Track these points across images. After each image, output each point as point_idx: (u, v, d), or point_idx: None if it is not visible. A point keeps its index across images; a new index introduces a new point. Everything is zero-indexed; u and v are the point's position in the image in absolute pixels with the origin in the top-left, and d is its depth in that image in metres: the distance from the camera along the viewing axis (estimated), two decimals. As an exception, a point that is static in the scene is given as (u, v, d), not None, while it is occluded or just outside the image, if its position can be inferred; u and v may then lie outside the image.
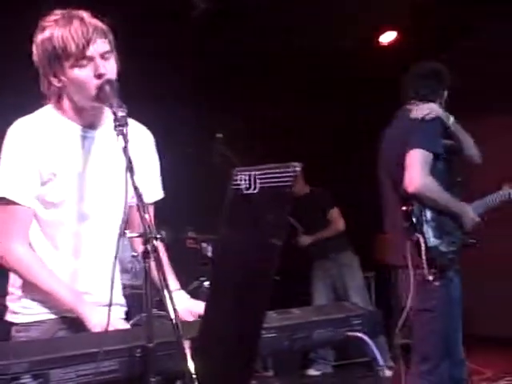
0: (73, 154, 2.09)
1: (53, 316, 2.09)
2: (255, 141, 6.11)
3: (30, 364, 1.51)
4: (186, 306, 2.14)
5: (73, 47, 1.98)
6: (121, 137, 1.79)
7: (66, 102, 2.12)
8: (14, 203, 2.05)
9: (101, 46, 2.01)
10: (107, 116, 2.07)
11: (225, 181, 1.59)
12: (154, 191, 2.28)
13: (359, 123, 6.58)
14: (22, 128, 2.09)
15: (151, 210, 2.24)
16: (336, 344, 2.16)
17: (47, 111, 2.15)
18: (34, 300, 2.10)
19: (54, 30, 2.01)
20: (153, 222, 1.67)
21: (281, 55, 5.89)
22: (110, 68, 2.03)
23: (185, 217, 5.29)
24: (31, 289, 2.09)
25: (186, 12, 5.30)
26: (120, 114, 1.85)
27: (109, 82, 1.98)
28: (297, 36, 5.78)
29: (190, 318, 2.12)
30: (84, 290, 2.12)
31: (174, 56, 5.54)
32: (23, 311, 2.11)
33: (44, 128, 2.10)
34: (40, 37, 2.05)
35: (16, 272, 2.10)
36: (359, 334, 2.00)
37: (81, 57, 1.99)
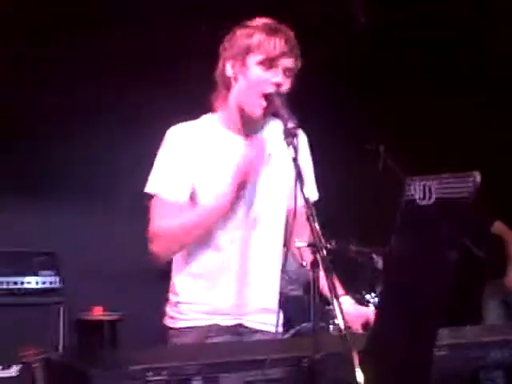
0: (227, 161, 2.12)
1: (205, 322, 2.15)
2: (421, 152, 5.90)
3: (201, 366, 1.53)
4: (351, 312, 2.12)
5: (268, 50, 2.06)
6: (291, 148, 1.81)
7: (230, 105, 2.16)
8: (156, 195, 2.14)
9: (290, 63, 2.09)
10: (266, 122, 2.12)
11: (386, 191, 1.54)
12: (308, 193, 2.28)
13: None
14: (182, 131, 2.17)
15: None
16: (509, 366, 2.02)
17: (207, 118, 2.21)
18: (189, 304, 2.16)
19: (258, 31, 2.09)
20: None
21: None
22: (286, 85, 2.09)
23: (349, 228, 5.25)
24: (187, 294, 2.15)
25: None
26: (290, 124, 1.86)
27: (278, 94, 2.00)
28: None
29: (356, 324, 2.09)
30: (243, 295, 2.15)
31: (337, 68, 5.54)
32: (179, 316, 2.18)
33: (202, 134, 2.17)
34: (240, 31, 2.13)
35: (168, 242, 2.12)
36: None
37: (269, 59, 2.06)
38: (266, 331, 2.14)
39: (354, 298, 4.43)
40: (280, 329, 2.24)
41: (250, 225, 2.15)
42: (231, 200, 2.06)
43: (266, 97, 2.05)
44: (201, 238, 2.12)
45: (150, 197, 2.17)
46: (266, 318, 2.16)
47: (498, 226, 5.65)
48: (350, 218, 5.65)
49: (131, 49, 5.03)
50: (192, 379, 1.52)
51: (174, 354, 1.71)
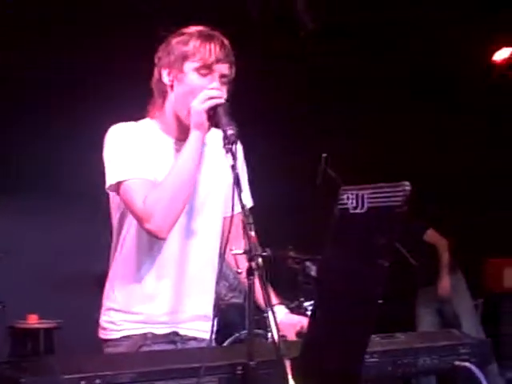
0: (168, 165, 2.10)
1: (139, 331, 2.12)
2: (363, 162, 5.99)
3: (136, 375, 1.53)
4: (285, 321, 2.14)
5: (204, 56, 2.07)
6: (229, 155, 1.82)
7: (166, 113, 2.17)
8: (126, 180, 2.07)
9: (226, 69, 2.11)
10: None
11: (327, 200, 1.57)
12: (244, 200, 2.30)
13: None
14: (124, 127, 2.16)
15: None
16: (441, 373, 2.06)
17: (146, 122, 2.22)
18: (124, 313, 2.14)
19: (193, 38, 2.10)
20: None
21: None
22: (223, 91, 2.08)
23: (286, 236, 5.29)
24: (123, 300, 2.14)
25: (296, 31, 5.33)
26: (229, 132, 1.88)
27: (220, 105, 2.01)
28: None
29: (291, 333, 2.11)
30: (173, 301, 2.13)
31: (284, 73, 5.59)
32: (112, 327, 2.16)
33: (142, 134, 2.16)
34: (176, 39, 2.14)
35: (163, 211, 2.01)
36: (467, 364, 1.91)
37: (206, 66, 2.07)
38: (201, 339, 2.14)
39: (291, 305, 4.48)
40: (215, 336, 2.25)
41: (188, 233, 2.15)
42: (204, 131, 2.04)
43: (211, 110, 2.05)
44: (188, 192, 2.06)
45: (115, 188, 2.10)
46: (201, 326, 2.16)
47: (431, 234, 5.75)
48: (289, 226, 5.72)
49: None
50: (126, 388, 1.52)
51: (109, 362, 1.69)
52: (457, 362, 1.93)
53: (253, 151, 2.38)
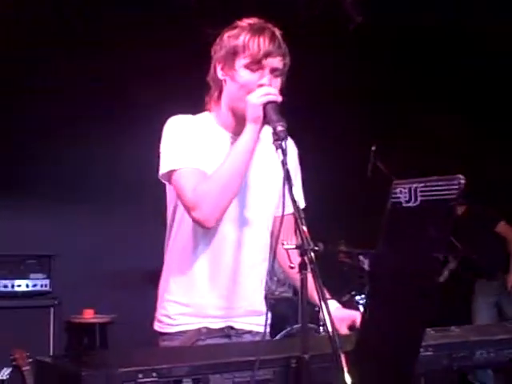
0: (222, 158, 2.11)
1: (194, 326, 2.15)
2: (417, 156, 5.88)
3: (191, 368, 1.55)
4: (337, 315, 2.14)
5: (254, 51, 2.08)
6: (279, 150, 1.83)
7: (222, 107, 2.20)
8: (178, 169, 2.10)
9: (277, 62, 2.10)
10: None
11: (377, 193, 1.56)
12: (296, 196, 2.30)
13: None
14: (181, 119, 2.19)
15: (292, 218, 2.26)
16: (498, 367, 2.04)
17: (203, 115, 2.24)
18: (180, 305, 2.16)
19: (244, 32, 2.11)
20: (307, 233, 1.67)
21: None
22: (275, 85, 2.10)
23: (337, 230, 5.27)
24: (180, 293, 2.16)
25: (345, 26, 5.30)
26: (279, 128, 1.89)
27: (272, 103, 2.02)
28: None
29: (342, 327, 2.11)
30: (227, 294, 2.15)
31: (328, 65, 5.56)
32: (168, 321, 2.18)
33: (199, 126, 2.19)
34: (228, 33, 2.15)
35: (212, 201, 2.03)
36: (525, 358, 1.89)
37: (255, 62, 2.08)
38: (255, 332, 2.15)
39: (343, 299, 4.47)
40: (268, 329, 2.26)
41: (242, 224, 2.16)
42: (260, 125, 2.04)
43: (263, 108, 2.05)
44: (239, 184, 2.06)
45: (168, 177, 2.13)
46: (255, 320, 2.17)
47: (503, 226, 5.66)
48: (339, 220, 5.69)
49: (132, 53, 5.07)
50: (182, 381, 1.54)
51: (164, 355, 1.72)
52: (514, 356, 1.90)
53: (301, 144, 2.38)
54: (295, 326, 3.92)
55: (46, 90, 4.99)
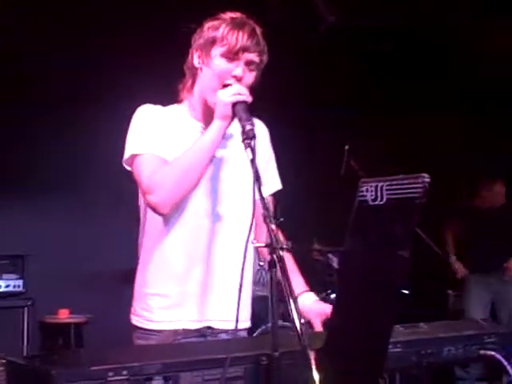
0: None
1: (171, 326, 2.15)
2: (393, 158, 5.91)
3: (162, 366, 1.55)
4: (313, 308, 2.16)
5: (231, 43, 2.10)
6: (248, 149, 1.84)
7: (195, 96, 2.22)
8: (139, 155, 2.13)
9: (253, 56, 2.13)
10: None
11: (351, 192, 1.58)
12: (271, 182, 2.33)
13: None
14: (150, 108, 2.22)
15: (270, 200, 2.29)
16: (466, 363, 2.06)
17: (174, 107, 2.27)
18: (151, 296, 2.17)
19: (224, 23, 2.13)
20: (272, 210, 1.68)
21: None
22: (248, 78, 2.12)
23: (311, 228, 5.30)
24: (158, 285, 2.16)
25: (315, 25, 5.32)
26: (248, 127, 1.91)
27: (243, 103, 2.03)
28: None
29: (317, 321, 2.13)
30: (205, 286, 2.16)
31: (304, 65, 5.59)
32: (144, 314, 2.18)
33: (168, 116, 2.21)
34: (209, 23, 2.18)
35: (168, 185, 2.06)
36: (493, 353, 1.91)
37: (232, 52, 2.10)
38: (232, 331, 2.16)
39: (318, 297, 4.48)
40: (247, 324, 2.26)
41: (215, 217, 2.18)
42: (228, 122, 2.06)
43: (225, 86, 2.08)
44: (198, 176, 2.09)
45: (130, 163, 2.16)
46: (230, 317, 2.18)
47: None
48: (313, 219, 5.72)
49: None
50: (153, 378, 1.55)
51: (135, 354, 1.72)
52: (482, 352, 1.93)
53: (274, 144, 2.40)
54: (269, 324, 3.93)
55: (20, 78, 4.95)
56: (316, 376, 1.48)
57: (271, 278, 1.62)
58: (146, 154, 2.12)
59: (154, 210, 2.09)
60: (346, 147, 4.97)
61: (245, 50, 2.10)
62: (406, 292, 4.42)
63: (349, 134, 5.35)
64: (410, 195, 1.47)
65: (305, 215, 5.56)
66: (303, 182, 5.63)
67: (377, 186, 1.49)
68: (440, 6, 5.17)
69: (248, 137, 1.88)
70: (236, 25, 2.13)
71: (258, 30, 2.16)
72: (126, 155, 2.17)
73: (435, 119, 6.00)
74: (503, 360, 1.88)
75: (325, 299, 4.58)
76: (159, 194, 2.05)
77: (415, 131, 6.06)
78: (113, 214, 5.20)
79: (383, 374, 1.64)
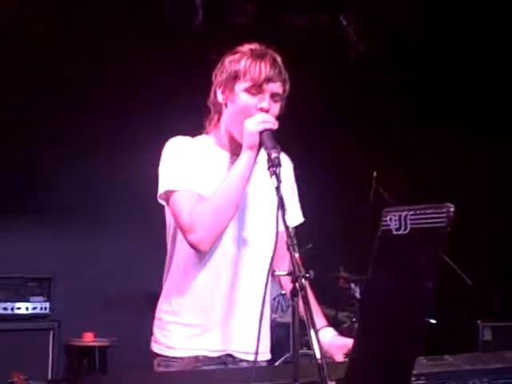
0: (221, 179, 2.13)
1: (192, 353, 2.14)
2: (418, 185, 5.85)
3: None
4: (333, 343, 2.13)
5: (255, 75, 2.10)
6: (274, 177, 1.84)
7: (221, 129, 2.23)
8: (175, 191, 2.13)
9: (277, 87, 2.13)
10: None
11: (378, 220, 1.56)
12: (293, 216, 2.32)
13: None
14: (181, 141, 2.23)
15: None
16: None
17: (202, 138, 2.28)
18: (173, 324, 2.16)
19: (245, 57, 2.14)
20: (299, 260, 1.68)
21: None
22: (274, 110, 2.12)
23: (337, 256, 5.26)
24: (181, 313, 2.15)
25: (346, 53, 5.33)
26: (274, 154, 1.91)
27: (269, 130, 2.03)
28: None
29: (339, 355, 2.10)
30: (228, 315, 2.15)
31: (328, 92, 5.59)
32: (166, 342, 2.18)
33: (198, 148, 2.22)
34: (229, 58, 2.18)
35: (206, 225, 2.06)
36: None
37: (256, 86, 2.11)
38: (251, 362, 2.14)
39: (343, 326, 4.44)
40: (267, 356, 2.24)
41: (241, 244, 2.17)
42: (256, 152, 2.06)
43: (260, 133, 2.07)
44: (234, 209, 2.09)
45: (165, 198, 2.17)
46: (253, 347, 2.16)
47: None
48: (339, 246, 5.68)
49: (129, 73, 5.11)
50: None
51: (157, 381, 1.71)
52: (507, 386, 1.89)
53: (302, 172, 2.40)
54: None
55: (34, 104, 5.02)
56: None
57: (293, 306, 1.61)
58: (182, 191, 2.12)
59: (195, 247, 2.09)
60: (374, 174, 4.94)
61: (269, 80, 2.10)
62: (433, 321, 4.40)
63: (377, 161, 5.32)
64: (434, 225, 1.45)
65: (331, 243, 5.53)
66: (330, 208, 5.61)
67: (400, 216, 1.47)
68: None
69: (273, 164, 1.88)
70: (257, 56, 2.13)
71: (279, 59, 2.16)
72: (161, 190, 2.16)
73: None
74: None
75: (350, 328, 4.53)
76: (200, 232, 2.05)
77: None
78: (140, 238, 5.22)
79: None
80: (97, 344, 5.08)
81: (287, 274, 1.63)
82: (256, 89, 2.10)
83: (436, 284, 1.50)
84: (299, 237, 2.25)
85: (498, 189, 5.72)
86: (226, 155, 2.22)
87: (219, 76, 2.18)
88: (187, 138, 2.24)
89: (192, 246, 2.08)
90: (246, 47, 2.17)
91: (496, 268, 5.70)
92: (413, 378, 1.67)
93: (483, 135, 5.83)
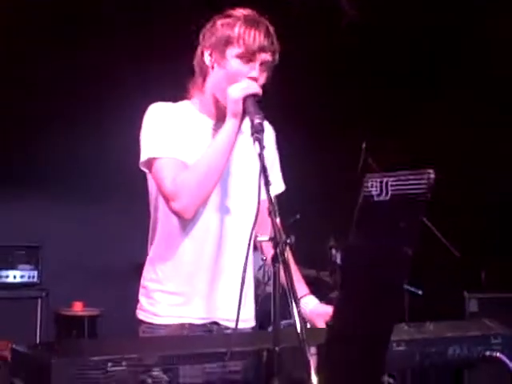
0: (205, 145, 2.12)
1: (178, 321, 2.14)
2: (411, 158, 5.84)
3: (161, 358, 1.55)
4: (315, 310, 2.14)
5: (248, 43, 2.08)
6: (257, 143, 1.83)
7: (205, 93, 2.20)
8: (158, 159, 2.10)
9: (268, 57, 2.11)
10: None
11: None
12: (275, 184, 2.30)
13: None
14: (162, 106, 2.19)
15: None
16: (470, 364, 2.03)
17: (184, 103, 2.25)
18: (159, 293, 2.17)
19: (239, 22, 2.10)
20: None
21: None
22: (261, 79, 2.11)
23: (327, 227, 5.27)
24: (167, 281, 2.16)
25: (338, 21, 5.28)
26: (257, 120, 1.90)
27: (252, 96, 2.02)
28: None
29: (320, 322, 2.11)
30: (213, 282, 2.15)
31: (323, 66, 5.56)
32: (151, 309, 2.18)
33: (180, 114, 2.19)
34: (221, 21, 2.14)
35: (191, 191, 2.04)
36: (498, 355, 1.89)
37: (248, 53, 2.08)
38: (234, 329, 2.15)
39: (330, 295, 4.45)
40: (252, 323, 2.26)
41: (224, 212, 2.17)
42: (240, 119, 2.04)
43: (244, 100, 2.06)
44: (218, 176, 2.08)
45: (147, 165, 2.14)
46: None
47: None
48: (329, 218, 5.68)
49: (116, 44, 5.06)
50: (152, 370, 1.54)
51: (136, 345, 1.72)
52: (488, 353, 1.91)
53: (291, 143, 2.39)
54: (283, 321, 3.92)
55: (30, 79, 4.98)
56: (313, 374, 1.46)
57: (274, 272, 1.61)
58: (165, 158, 2.10)
59: (179, 215, 2.08)
60: (364, 145, 4.93)
61: (261, 49, 2.08)
62: (420, 293, 4.42)
63: (367, 132, 5.31)
64: (415, 191, 1.45)
65: (320, 214, 5.54)
66: (319, 180, 5.60)
67: (382, 182, 1.47)
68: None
69: (256, 130, 1.86)
70: (251, 23, 2.10)
71: (271, 29, 2.13)
72: (143, 158, 2.14)
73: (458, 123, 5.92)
74: (508, 362, 1.85)
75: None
76: (183, 200, 2.04)
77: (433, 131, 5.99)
78: (129, 205, 5.21)
79: (384, 372, 1.63)
80: (86, 314, 5.10)
81: (269, 240, 1.63)
82: (248, 56, 2.08)
83: (422, 254, 1.51)
84: (287, 206, 2.26)
85: (485, 162, 5.74)
86: (209, 122, 2.20)
87: (208, 38, 2.14)
88: (169, 104, 2.21)
89: (176, 213, 2.08)
90: (240, 12, 2.14)
91: (483, 240, 5.74)
92: (393, 344, 1.68)
93: (468, 110, 5.84)
